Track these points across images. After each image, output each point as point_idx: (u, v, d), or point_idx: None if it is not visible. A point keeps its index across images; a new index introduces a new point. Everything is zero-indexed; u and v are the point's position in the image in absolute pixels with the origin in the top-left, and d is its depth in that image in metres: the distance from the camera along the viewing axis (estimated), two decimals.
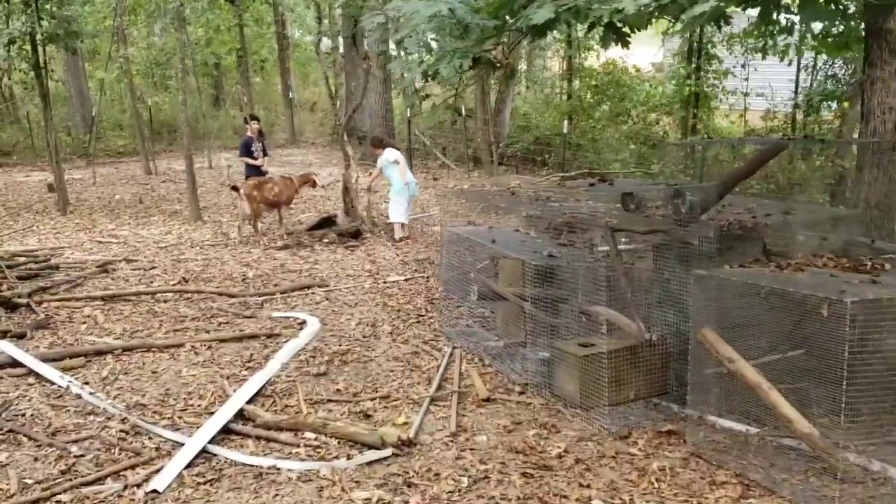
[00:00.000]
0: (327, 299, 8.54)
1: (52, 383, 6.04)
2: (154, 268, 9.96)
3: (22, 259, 9.77)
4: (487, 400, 5.77)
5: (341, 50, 20.90)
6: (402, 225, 11.40)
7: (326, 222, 11.77)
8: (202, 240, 11.61)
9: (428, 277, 9.48)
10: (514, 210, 7.81)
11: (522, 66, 18.10)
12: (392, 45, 15.66)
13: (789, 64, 11.91)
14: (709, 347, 4.93)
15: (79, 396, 5.81)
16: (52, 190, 14.34)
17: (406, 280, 9.40)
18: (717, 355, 4.90)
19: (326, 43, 30.25)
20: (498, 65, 5.24)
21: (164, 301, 8.43)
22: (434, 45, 5.83)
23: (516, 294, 6.58)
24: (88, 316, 7.83)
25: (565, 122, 12.99)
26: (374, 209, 13.62)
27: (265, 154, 12.46)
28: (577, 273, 6.13)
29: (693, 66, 12.94)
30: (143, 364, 6.50)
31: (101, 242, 11.52)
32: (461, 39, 4.90)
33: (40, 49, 13.06)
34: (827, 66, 12.59)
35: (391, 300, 8.51)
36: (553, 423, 5.46)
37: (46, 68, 13.33)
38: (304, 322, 7.56)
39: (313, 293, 8.77)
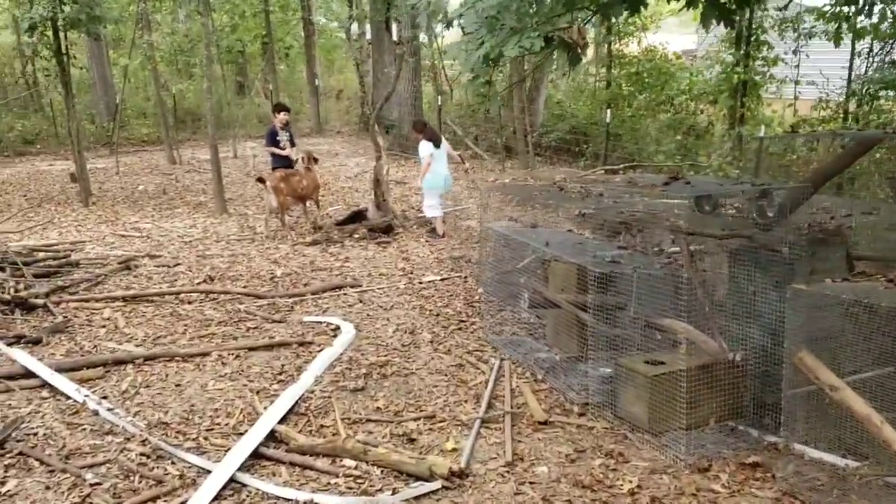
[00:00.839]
0: (360, 301, 7.98)
1: (68, 397, 5.53)
2: (178, 264, 9.45)
3: (41, 255, 9.31)
4: (545, 423, 5.17)
5: (369, 36, 20.33)
6: (442, 220, 10.80)
7: (357, 217, 11.21)
8: (228, 234, 11.10)
9: (465, 277, 8.90)
10: (563, 207, 7.20)
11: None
12: (422, 33, 15.11)
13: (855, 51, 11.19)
14: (808, 373, 4.30)
15: (96, 413, 5.30)
16: (75, 180, 13.90)
17: (442, 280, 8.82)
18: (818, 382, 4.26)
19: (354, 29, 29.68)
20: (573, 46, 4.61)
21: (189, 302, 7.91)
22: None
23: (573, 302, 5.98)
24: (108, 319, 7.33)
25: (608, 112, 12.26)
26: (405, 202, 13.07)
27: (292, 144, 11.87)
28: (642, 281, 5.52)
29: (742, 52, 12.18)
30: (166, 375, 5.97)
31: (123, 236, 11.04)
32: (528, 17, 4.29)
33: (62, 35, 12.56)
34: (884, 52, 11.79)
35: (428, 303, 7.93)
36: (620, 451, 4.86)
37: (68, 54, 12.83)
38: (337, 328, 7.01)
39: (345, 294, 8.22)
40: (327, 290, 8.32)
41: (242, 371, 6.03)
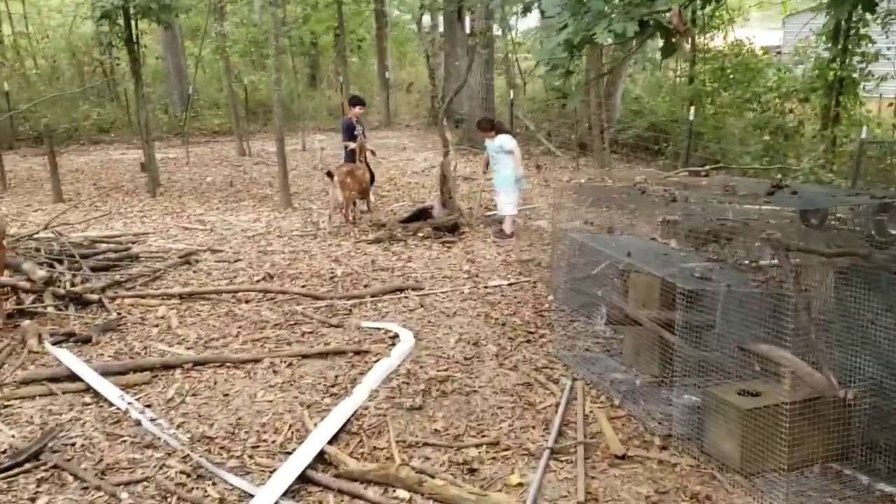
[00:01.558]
0: (422, 306, 7.52)
1: (111, 404, 5.22)
2: (238, 260, 9.16)
3: (102, 246, 9.14)
4: (622, 457, 4.61)
5: (441, 29, 19.88)
6: (514, 220, 10.27)
7: (421, 214, 10.75)
8: (291, 229, 10.80)
9: (535, 283, 8.35)
10: (645, 212, 6.58)
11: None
12: (496, 24, 14.57)
13: None
14: None
15: (138, 423, 4.97)
16: (144, 170, 13.86)
17: (510, 285, 8.28)
18: None
19: (426, 21, 29.28)
20: (672, 33, 4.03)
21: (246, 301, 7.59)
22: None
23: (656, 320, 5.38)
24: (162, 317, 7.04)
25: (691, 109, 11.48)
26: (472, 200, 12.57)
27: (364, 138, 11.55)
28: (735, 300, 4.89)
29: (839, 47, 11.23)
30: (215, 383, 5.62)
31: (187, 229, 10.85)
32: None
33: (133, 23, 12.46)
34: None
35: (494, 310, 7.41)
36: (708, 493, 4.27)
37: (139, 43, 12.74)
38: (396, 336, 6.56)
39: (406, 298, 7.77)
40: (388, 292, 7.88)
41: (294, 381, 5.64)
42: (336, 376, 5.72)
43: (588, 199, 7.76)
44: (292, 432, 4.91)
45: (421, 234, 10.20)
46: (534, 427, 4.99)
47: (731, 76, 12.40)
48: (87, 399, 5.32)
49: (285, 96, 22.31)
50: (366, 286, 8.17)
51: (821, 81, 11.51)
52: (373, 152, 11.30)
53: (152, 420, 4.98)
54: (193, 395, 5.43)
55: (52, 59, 22.78)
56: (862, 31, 11.34)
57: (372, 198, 12.01)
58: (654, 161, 14.28)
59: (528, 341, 6.53)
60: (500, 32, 17.83)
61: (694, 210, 6.46)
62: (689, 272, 5.34)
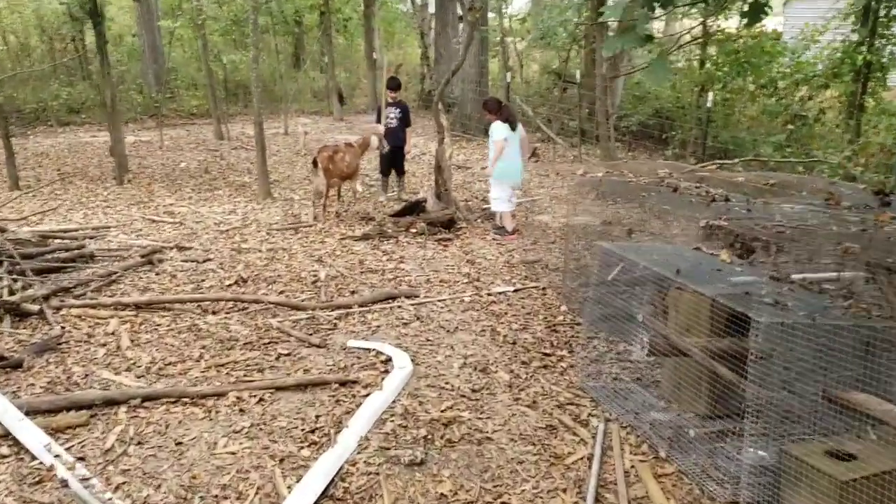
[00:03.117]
0: (418, 318, 6.45)
1: (33, 457, 4.12)
2: (208, 260, 8.04)
3: (54, 243, 7.98)
4: None
5: (431, 9, 18.68)
6: (512, 215, 9.20)
7: (414, 208, 9.66)
8: (270, 222, 9.67)
9: (543, 289, 7.30)
10: (681, 213, 5.54)
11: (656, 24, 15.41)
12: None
13: None
14: None
15: (65, 484, 3.88)
16: (114, 154, 12.65)
17: (515, 292, 7.23)
18: None
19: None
20: None
21: (214, 313, 6.48)
22: None
23: (709, 351, 4.35)
24: (113, 334, 5.92)
25: (709, 95, 10.42)
26: (467, 190, 11.50)
27: (406, 123, 10.83)
28: (809, 332, 3.86)
29: (869, 28, 10.19)
30: (167, 426, 4.52)
31: (154, 221, 9.69)
32: None
33: None
34: None
35: (501, 323, 6.36)
36: None
37: (103, 16, 11.50)
38: (389, 359, 5.48)
39: (399, 307, 6.70)
40: (378, 301, 6.81)
41: (265, 424, 4.55)
42: (317, 416, 4.64)
43: (609, 195, 6.71)
44: (260, 498, 3.84)
45: (414, 231, 9.11)
46: (564, 490, 3.95)
47: (744, 61, 11.32)
48: (5, 450, 4.21)
49: (267, 77, 21.08)
50: (353, 292, 7.10)
51: (846, 66, 10.46)
52: (381, 144, 10.31)
53: (84, 481, 3.88)
54: (139, 443, 4.34)
55: (22, 35, 21.36)
56: (893, 11, 10.29)
57: (359, 187, 10.91)
58: (659, 151, 13.24)
59: (545, 366, 5.48)
60: (493, 14, 16.68)
61: (741, 213, 5.43)
62: (754, 294, 4.30)
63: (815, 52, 12.33)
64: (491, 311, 6.66)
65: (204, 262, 7.98)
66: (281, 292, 7.08)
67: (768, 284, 4.29)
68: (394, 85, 10.74)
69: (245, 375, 5.22)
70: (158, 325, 6.17)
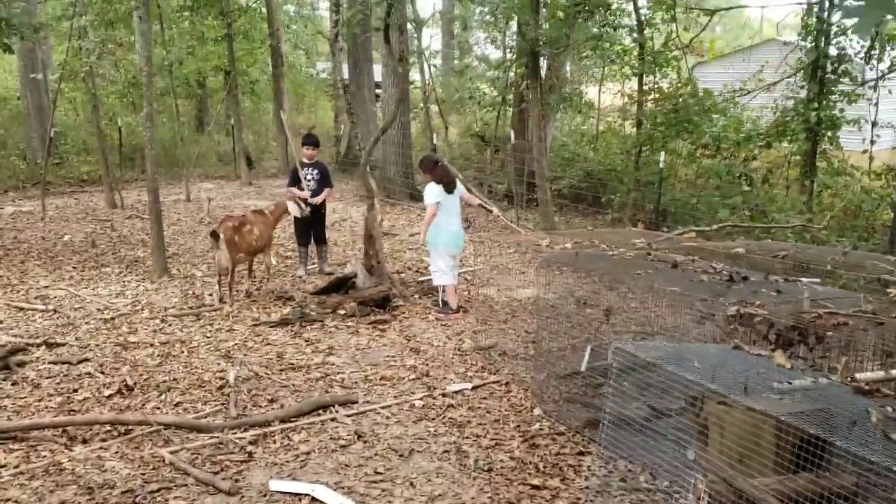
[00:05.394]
0: (359, 437, 4.91)
1: None
2: (86, 360, 6.28)
3: None
4: None
5: (345, 74, 17.47)
6: (455, 289, 7.82)
7: (341, 284, 8.15)
8: (165, 305, 7.96)
9: (507, 384, 5.90)
10: (692, 299, 4.26)
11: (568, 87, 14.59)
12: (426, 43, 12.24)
13: None
14: None
15: None
16: None
17: (475, 389, 5.80)
18: None
19: (322, 67, 26.76)
20: None
21: (84, 442, 4.75)
22: None
23: (780, 493, 3.02)
24: None
25: (661, 155, 9.42)
26: (397, 259, 10.08)
27: (325, 185, 9.33)
28: None
29: (819, 85, 9.50)
30: None
31: (21, 309, 7.79)
32: None
33: None
34: None
35: (466, 438, 4.90)
36: None
37: None
38: None
39: (334, 420, 5.14)
40: (306, 413, 5.23)
41: None
42: None
43: (585, 271, 5.41)
44: None
45: (343, 312, 7.58)
46: None
47: (686, 120, 10.49)
48: None
49: (167, 140, 19.24)
50: (272, 401, 5.50)
51: (798, 124, 9.69)
52: (305, 203, 8.82)
53: None
54: None
55: None
56: (842, 66, 9.65)
57: (273, 260, 9.32)
58: (592, 215, 12.21)
59: None
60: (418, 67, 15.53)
61: (770, 295, 4.22)
62: (833, 411, 3.03)
63: (751, 112, 11.69)
64: (451, 421, 5.19)
65: (79, 363, 6.21)
66: (177, 404, 5.41)
67: (874, 409, 3.02)
68: (311, 142, 9.32)
69: None
70: (4, 465, 4.40)
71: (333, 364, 6.30)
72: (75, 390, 5.67)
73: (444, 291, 7.78)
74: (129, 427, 4.89)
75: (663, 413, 3.94)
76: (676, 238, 6.01)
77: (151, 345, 6.70)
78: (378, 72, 18.31)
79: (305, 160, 9.17)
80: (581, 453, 4.70)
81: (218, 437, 4.79)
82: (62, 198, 15.73)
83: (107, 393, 5.60)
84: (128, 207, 14.49)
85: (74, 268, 9.75)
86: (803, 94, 9.96)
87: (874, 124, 10.16)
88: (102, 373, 6.01)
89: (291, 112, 21.63)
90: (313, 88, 26.21)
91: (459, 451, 4.70)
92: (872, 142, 10.23)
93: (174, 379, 5.89)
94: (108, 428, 4.90)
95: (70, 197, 16.07)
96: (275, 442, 4.80)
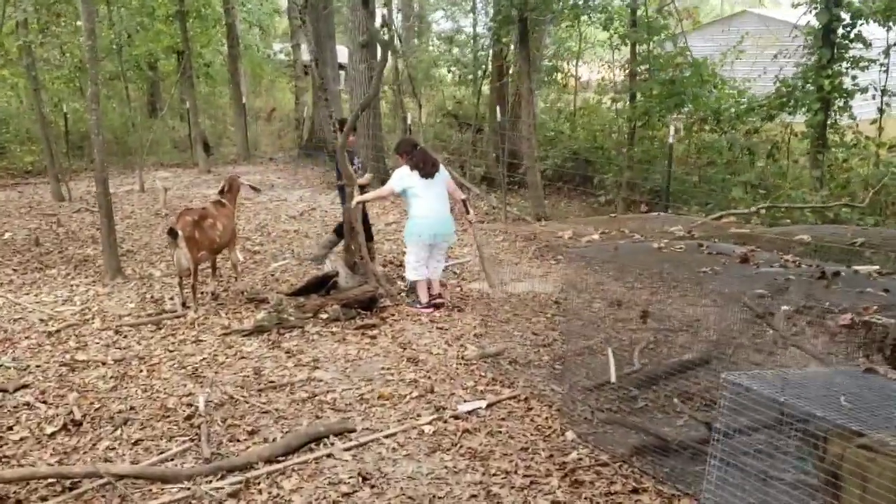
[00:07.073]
0: (364, 479, 3.97)
1: None
2: (25, 387, 5.22)
3: None
4: None
5: (305, 57, 16.26)
6: (428, 286, 6.89)
7: (322, 283, 7.15)
8: (120, 313, 6.89)
9: (526, 399, 5.01)
10: (796, 305, 3.40)
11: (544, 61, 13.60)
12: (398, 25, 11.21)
13: None
14: None
15: None
16: None
17: (489, 407, 4.89)
18: None
19: (278, 47, 25.42)
20: None
21: (19, 502, 3.72)
22: None
23: None
24: None
25: (671, 128, 8.53)
26: (378, 252, 9.09)
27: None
28: None
29: (831, 50, 8.73)
30: None
31: None
32: None
33: None
34: None
35: (495, 476, 4.00)
36: None
37: None
38: None
39: (330, 457, 4.20)
40: (295, 450, 4.26)
41: None
42: None
43: (622, 267, 4.52)
44: None
45: (325, 316, 6.59)
46: None
47: (682, 91, 9.66)
48: None
49: (118, 127, 17.87)
50: (252, 433, 4.52)
51: (808, 95, 8.90)
52: (254, 188, 7.73)
53: None
54: None
55: None
56: (855, 30, 8.86)
57: (240, 256, 8.26)
58: (583, 196, 11.36)
59: None
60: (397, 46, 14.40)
61: (879, 294, 3.37)
62: None
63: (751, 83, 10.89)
64: (470, 452, 4.28)
65: (16, 390, 5.15)
66: (136, 442, 4.41)
67: None
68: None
69: None
70: None
71: (321, 380, 5.34)
72: (10, 427, 4.62)
73: (421, 286, 6.86)
74: (77, 481, 3.87)
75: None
76: (713, 223, 5.16)
77: (104, 363, 5.65)
78: (342, 52, 17.18)
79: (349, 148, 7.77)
80: (635, 490, 3.85)
81: (188, 488, 3.81)
82: (4, 191, 14.37)
83: (49, 430, 4.56)
84: (76, 200, 13.19)
85: (15, 270, 8.58)
86: (811, 61, 9.19)
87: (884, 91, 9.44)
88: (45, 402, 4.97)
89: (249, 95, 20.33)
90: (271, 69, 24.86)
91: (490, 496, 3.80)
92: (882, 111, 9.51)
93: (132, 408, 4.87)
94: (52, 482, 3.88)
95: (13, 190, 14.69)
96: (260, 492, 3.83)
